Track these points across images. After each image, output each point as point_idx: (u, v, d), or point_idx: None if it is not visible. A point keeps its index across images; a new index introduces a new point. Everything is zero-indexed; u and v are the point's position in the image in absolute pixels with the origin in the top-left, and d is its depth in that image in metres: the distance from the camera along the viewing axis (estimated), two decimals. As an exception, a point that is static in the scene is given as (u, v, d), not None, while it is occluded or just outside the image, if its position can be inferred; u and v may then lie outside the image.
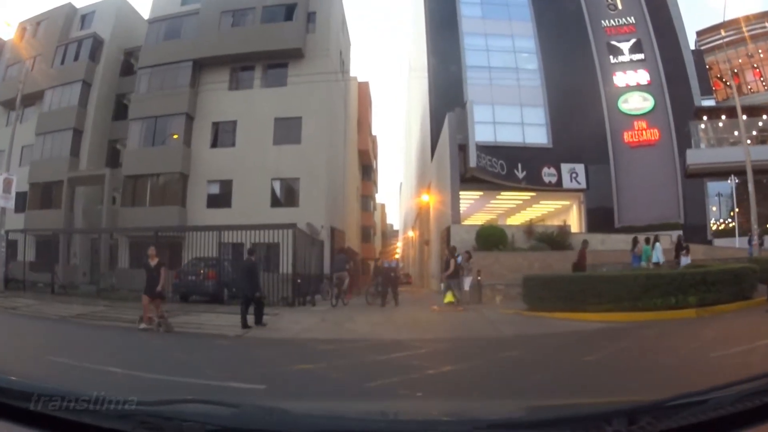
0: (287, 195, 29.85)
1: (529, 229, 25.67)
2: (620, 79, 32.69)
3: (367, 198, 60.21)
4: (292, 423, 2.08)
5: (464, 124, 27.13)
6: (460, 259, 19.27)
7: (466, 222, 28.73)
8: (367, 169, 60.11)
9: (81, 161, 34.26)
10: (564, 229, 25.49)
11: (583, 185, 30.70)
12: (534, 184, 30.15)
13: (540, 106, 32.61)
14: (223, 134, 31.46)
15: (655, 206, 29.83)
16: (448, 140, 27.45)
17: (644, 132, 31.96)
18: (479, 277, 19.82)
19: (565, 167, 30.62)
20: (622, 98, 32.18)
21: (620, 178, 30.66)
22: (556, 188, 30.64)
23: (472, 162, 26.65)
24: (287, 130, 29.88)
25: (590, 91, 31.91)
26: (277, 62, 31.56)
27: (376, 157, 66.64)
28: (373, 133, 64.95)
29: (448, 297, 18.01)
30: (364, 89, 54.22)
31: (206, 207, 30.05)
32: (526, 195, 32.15)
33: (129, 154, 32.28)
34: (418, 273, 53.05)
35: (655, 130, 31.80)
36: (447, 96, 30.76)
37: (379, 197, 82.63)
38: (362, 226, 56.40)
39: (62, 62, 36.85)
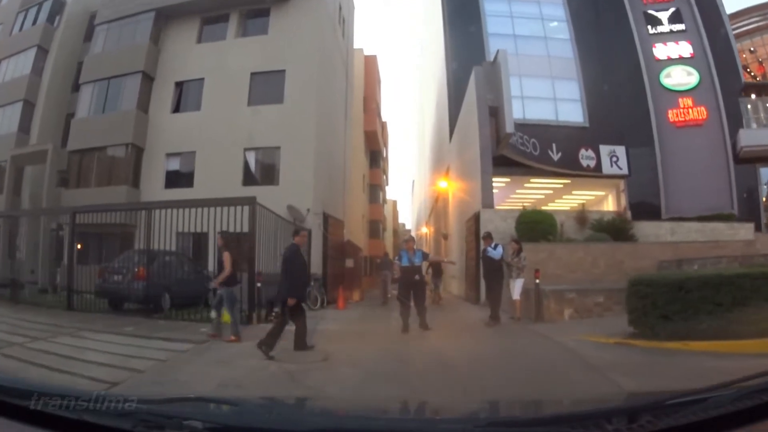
0: (264, 170, 24.03)
1: (581, 215, 20.79)
2: (661, 51, 28.95)
3: (375, 188, 54.18)
4: (292, 421, 2.05)
5: (495, 81, 22.06)
6: (499, 250, 13.70)
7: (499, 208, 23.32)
8: (376, 156, 54.17)
9: (31, 138, 29.03)
10: (623, 216, 21.22)
11: (625, 170, 27.16)
12: (570, 167, 26.44)
13: (573, 80, 29.01)
14: (187, 96, 25.93)
15: (704, 194, 26.17)
16: (475, 101, 22.26)
17: (690, 110, 27.97)
18: (537, 280, 13.57)
19: (604, 149, 27.06)
20: (664, 72, 28.38)
21: (666, 162, 26.95)
22: (595, 173, 27.04)
23: (509, 127, 21.17)
24: (266, 86, 24.26)
25: (629, 64, 28.36)
26: (258, 8, 25.60)
27: (386, 144, 61.09)
28: (383, 119, 58.93)
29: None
30: (371, 63, 48.68)
31: (164, 187, 24.47)
32: (559, 182, 28.13)
33: (76, 125, 26.87)
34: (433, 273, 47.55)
35: (702, 109, 27.75)
36: (467, 69, 25.89)
37: (391, 195, 77.23)
38: (370, 219, 50.32)
39: (21, 29, 32.72)
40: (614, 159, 27.14)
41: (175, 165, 24.72)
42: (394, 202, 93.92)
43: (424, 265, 13.71)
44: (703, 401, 1.72)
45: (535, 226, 18.25)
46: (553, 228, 18.58)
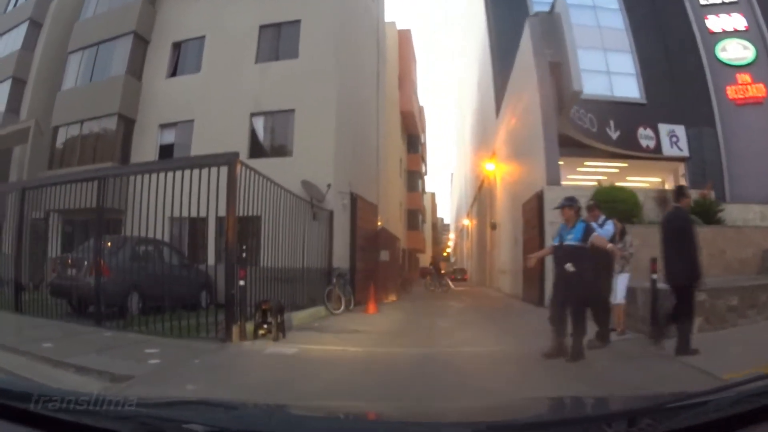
0: (274, 139, 19.77)
1: (661, 194, 17.62)
2: (714, 23, 26.77)
3: (414, 175, 50.48)
4: (292, 425, 2.08)
5: (554, 32, 19.67)
6: (609, 228, 9.41)
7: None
8: (414, 141, 50.25)
9: (21, 118, 25.66)
10: (708, 197, 18.30)
11: (686, 152, 25.35)
12: (629, 147, 24.69)
13: (626, 52, 27.37)
14: (185, 58, 21.98)
15: (768, 178, 24.70)
16: (532, 58, 19.66)
17: (749, 87, 25.68)
18: (654, 275, 9.13)
19: (663, 128, 25.32)
20: (719, 46, 26.25)
21: (728, 143, 24.95)
22: (655, 155, 25.22)
23: (576, 83, 18.43)
24: (277, 40, 20.23)
25: (683, 36, 26.89)
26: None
27: (423, 130, 57.11)
28: (420, 104, 54.35)
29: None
30: (405, 38, 45.13)
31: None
32: (615, 166, 26.02)
33: (61, 98, 23.39)
34: (477, 267, 47.88)
35: (761, 86, 25.48)
36: (511, 39, 24.94)
37: (429, 188, 73.25)
38: (408, 209, 46.32)
39: (15, 4, 29.82)
40: (674, 139, 25.50)
41: (170, 137, 20.81)
42: (433, 195, 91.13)
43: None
44: (703, 404, 1.71)
45: (614, 206, 14.75)
46: (636, 208, 15.72)
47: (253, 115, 19.16)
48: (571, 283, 7.52)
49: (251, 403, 2.82)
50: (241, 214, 9.56)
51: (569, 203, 8.01)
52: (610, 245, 8.12)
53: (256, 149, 18.81)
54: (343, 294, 14.85)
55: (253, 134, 19.13)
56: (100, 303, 10.65)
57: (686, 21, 26.74)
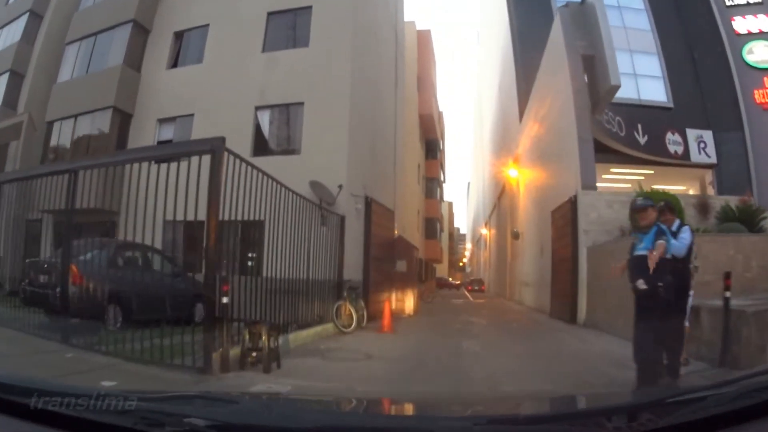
0: (281, 134, 17.83)
1: (702, 200, 16.37)
2: (740, 24, 26.01)
3: (432, 182, 48.59)
4: (292, 418, 1.98)
5: (587, 24, 18.71)
6: (686, 237, 7.39)
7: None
8: (433, 146, 48.39)
9: (18, 112, 24.22)
10: (749, 203, 16.70)
11: (714, 158, 24.31)
12: (657, 153, 23.49)
13: (653, 54, 26.52)
14: (187, 47, 20.34)
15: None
16: (563, 51, 18.80)
17: None
18: (728, 293, 7.92)
19: (691, 134, 24.36)
20: (746, 48, 25.48)
21: (757, 150, 24.04)
22: (683, 161, 24.10)
23: (614, 77, 17.42)
24: (287, 28, 18.40)
25: (709, 38, 26.05)
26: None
27: (443, 137, 55.33)
28: (440, 110, 52.87)
29: None
30: (424, 39, 43.25)
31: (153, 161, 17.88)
32: (641, 173, 23.90)
33: (56, 91, 21.93)
34: (495, 278, 46.97)
35: None
36: (535, 42, 24.74)
37: (446, 197, 71.69)
38: (425, 217, 44.54)
39: None
40: (702, 145, 24.57)
41: (168, 133, 19.10)
42: (450, 204, 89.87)
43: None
44: (704, 399, 1.69)
45: None
46: (681, 215, 13.00)
47: (258, 108, 17.43)
48: (661, 309, 5.88)
49: (251, 396, 3.12)
50: (242, 217, 8.30)
51: (651, 203, 6.40)
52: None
53: (261, 146, 17.10)
54: (354, 309, 13.12)
55: (257, 129, 17.36)
56: (68, 315, 9.14)
57: (712, 22, 26.02)
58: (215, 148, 7.22)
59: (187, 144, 8.13)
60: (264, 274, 10.30)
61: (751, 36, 26.05)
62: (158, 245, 11.74)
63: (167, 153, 7.81)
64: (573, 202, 16.42)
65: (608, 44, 17.80)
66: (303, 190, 12.55)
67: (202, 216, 7.46)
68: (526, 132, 27.96)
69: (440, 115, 54.64)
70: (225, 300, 7.23)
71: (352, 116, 16.73)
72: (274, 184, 9.64)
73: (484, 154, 60.20)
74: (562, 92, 19.13)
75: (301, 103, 16.77)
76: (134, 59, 20.51)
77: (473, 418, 2.03)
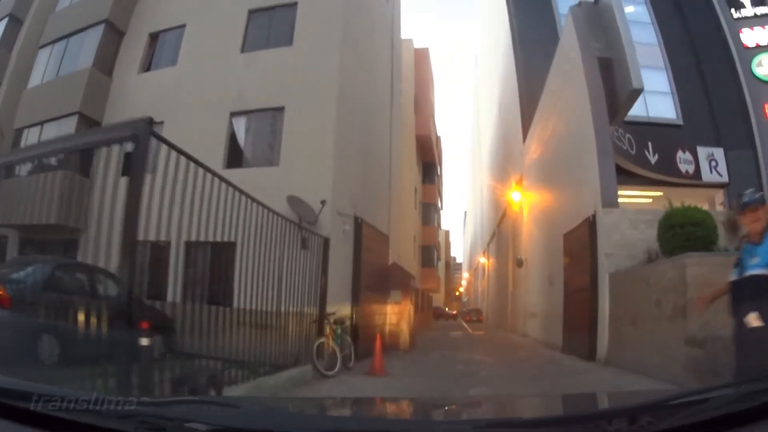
0: (258, 143, 15.78)
1: (731, 219, 13.53)
2: (748, 37, 25.50)
3: (429, 207, 47.06)
4: (293, 423, 1.96)
5: (603, 24, 17.69)
6: None
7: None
8: (430, 170, 47.28)
9: None
10: None
11: (725, 177, 23.16)
12: (668, 173, 22.43)
13: (660, 69, 25.44)
14: (162, 50, 18.82)
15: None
16: (578, 52, 17.58)
17: None
18: None
19: (702, 152, 23.29)
20: (755, 61, 24.82)
21: None
22: (694, 180, 22.90)
23: (635, 80, 16.34)
24: (269, 27, 16.78)
25: (718, 52, 25.39)
26: None
27: (440, 161, 53.77)
28: (437, 134, 51.87)
29: None
30: (422, 58, 42.21)
31: (120, 173, 15.98)
32: (650, 195, 23.71)
33: (26, 97, 20.78)
34: (495, 308, 45.62)
35: None
36: (538, 59, 25.15)
37: (442, 224, 70.31)
38: (422, 245, 42.67)
39: None
40: (713, 164, 23.56)
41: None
42: (447, 232, 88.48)
43: None
44: (704, 402, 1.68)
45: (692, 231, 11.93)
46: (714, 233, 12.38)
47: (233, 114, 15.57)
48: None
49: (253, 400, 3.56)
50: (213, 239, 7.37)
51: (761, 200, 4.53)
52: None
53: (235, 157, 15.20)
54: (339, 347, 11.12)
55: (232, 138, 15.44)
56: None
57: (722, 36, 25.43)
58: (138, 132, 5.29)
59: (105, 131, 6.33)
60: (236, 305, 8.96)
61: (760, 49, 25.37)
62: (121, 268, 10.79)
63: (81, 143, 5.99)
64: (591, 223, 14.88)
65: (627, 43, 16.64)
66: (281, 208, 10.67)
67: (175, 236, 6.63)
68: (531, 152, 26.69)
69: (438, 139, 53.50)
70: (144, 342, 5.28)
71: (339, 123, 14.81)
72: (241, 196, 7.93)
73: (483, 180, 59.71)
74: (576, 101, 17.70)
75: (282, 108, 14.89)
76: (106, 62, 19.13)
77: (473, 421, 2.06)
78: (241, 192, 8.03)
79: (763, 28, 25.70)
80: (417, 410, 2.89)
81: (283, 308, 10.14)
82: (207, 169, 7.08)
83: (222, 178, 7.51)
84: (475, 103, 74.20)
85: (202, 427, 1.67)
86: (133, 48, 19.03)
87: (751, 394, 1.67)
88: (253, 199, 8.49)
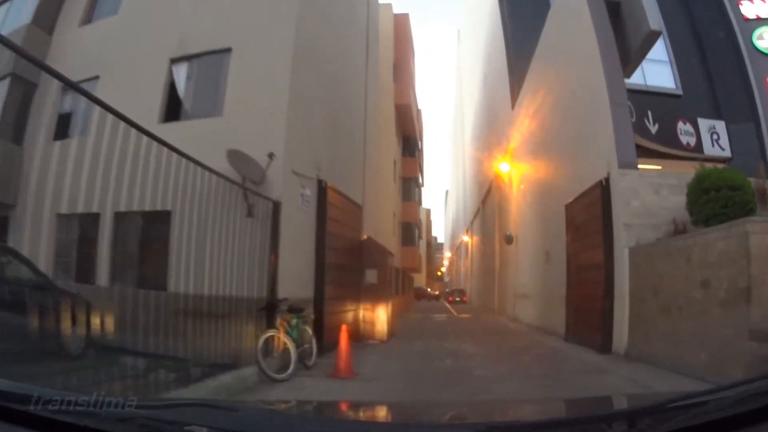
0: (200, 92, 12.93)
1: (760, 187, 12.14)
2: (748, 9, 24.61)
3: (410, 182, 45.24)
4: (293, 426, 1.99)
5: None
6: None
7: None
8: (410, 144, 45.43)
9: None
10: None
11: (728, 151, 22.04)
12: (669, 144, 21.09)
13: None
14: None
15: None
16: None
17: None
18: None
19: (703, 124, 22.12)
20: (755, 33, 23.96)
21: None
22: (696, 153, 20.97)
23: (653, 21, 15.02)
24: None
25: (718, 21, 24.49)
26: None
27: (421, 136, 51.99)
28: (419, 107, 49.85)
29: None
30: (402, 24, 40.35)
31: (53, 138, 14.45)
32: (648, 168, 20.09)
33: None
34: (480, 289, 44.15)
35: None
36: (527, 16, 25.19)
37: (424, 202, 68.69)
38: (402, 221, 40.94)
39: None
40: (714, 137, 22.43)
41: (70, 103, 15.31)
42: (428, 211, 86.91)
43: None
44: (704, 404, 1.67)
45: (731, 195, 10.58)
46: (754, 201, 11.04)
47: (173, 61, 13.13)
48: None
49: (252, 404, 3.34)
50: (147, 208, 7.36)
51: None
52: None
53: (173, 109, 12.69)
54: (298, 341, 8.78)
55: (171, 88, 12.96)
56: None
57: (722, 5, 24.41)
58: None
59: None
60: (171, 288, 8.47)
61: (760, 21, 24.31)
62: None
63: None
64: (605, 187, 13.08)
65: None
66: (223, 168, 8.36)
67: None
68: (522, 118, 25.44)
69: (419, 112, 51.93)
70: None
71: (296, 70, 12.21)
72: (178, 156, 6.61)
73: (466, 157, 58.52)
74: (581, 52, 16.11)
75: (228, 50, 12.40)
76: (46, 18, 17.13)
77: (472, 425, 2.04)
78: (171, 148, 6.41)
79: (763, 0, 24.79)
80: (417, 415, 2.80)
81: (221, 292, 7.98)
82: (133, 124, 5.72)
83: (149, 134, 6.06)
84: (457, 82, 73.90)
85: (202, 430, 1.65)
86: (78, 1, 16.96)
87: (752, 396, 1.64)
88: (184, 155, 6.68)
